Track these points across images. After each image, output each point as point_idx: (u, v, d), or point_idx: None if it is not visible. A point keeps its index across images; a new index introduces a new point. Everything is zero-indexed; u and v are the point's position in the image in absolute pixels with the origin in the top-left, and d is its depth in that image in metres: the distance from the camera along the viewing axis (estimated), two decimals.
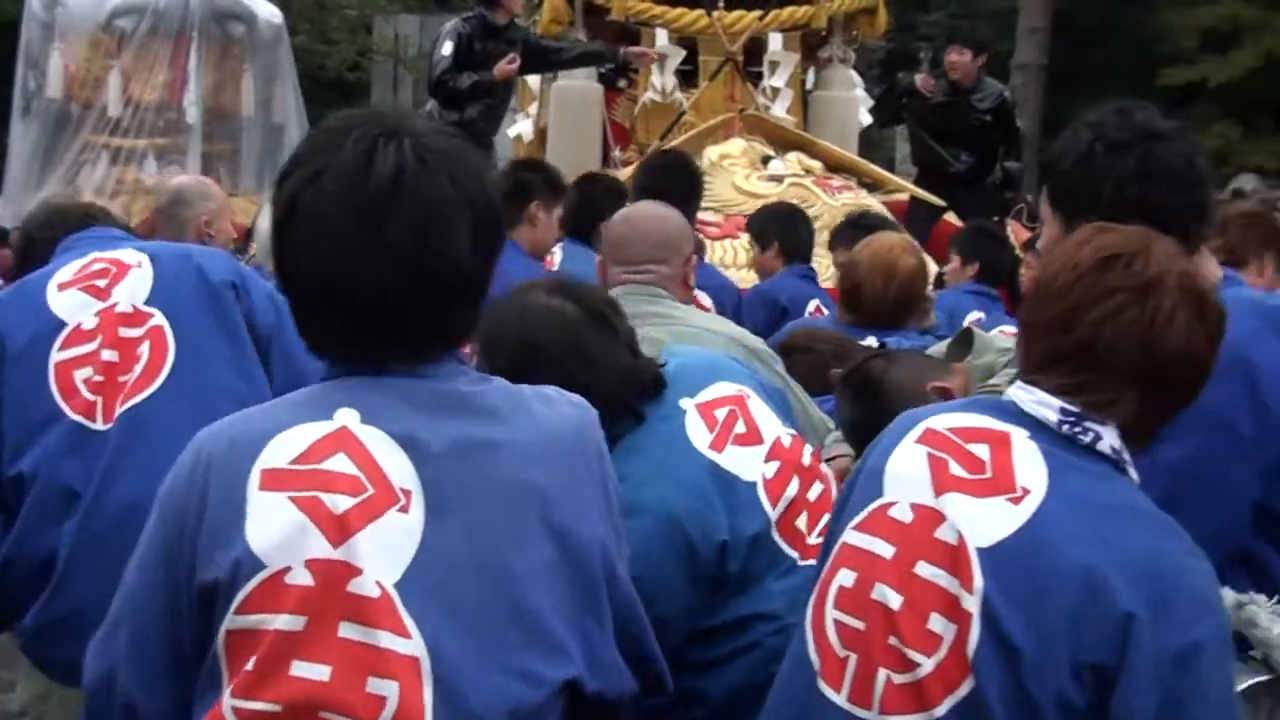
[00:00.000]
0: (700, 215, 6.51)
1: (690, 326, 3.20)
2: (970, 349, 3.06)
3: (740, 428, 2.39)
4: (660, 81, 7.63)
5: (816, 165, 7.16)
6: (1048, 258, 1.82)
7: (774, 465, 2.38)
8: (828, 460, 3.14)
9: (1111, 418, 1.70)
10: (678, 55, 7.67)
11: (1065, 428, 1.69)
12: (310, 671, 1.40)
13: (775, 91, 7.76)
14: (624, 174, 7.03)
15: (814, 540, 2.30)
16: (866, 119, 8.50)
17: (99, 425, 2.62)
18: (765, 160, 7.00)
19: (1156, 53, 34.66)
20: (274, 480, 1.46)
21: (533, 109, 8.74)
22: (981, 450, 1.69)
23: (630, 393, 2.36)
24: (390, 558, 1.44)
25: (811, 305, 4.99)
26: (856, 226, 5.21)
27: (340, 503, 1.45)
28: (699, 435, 2.35)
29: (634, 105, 7.84)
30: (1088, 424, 1.69)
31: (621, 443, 2.31)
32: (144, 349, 2.67)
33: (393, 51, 33.66)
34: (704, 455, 2.35)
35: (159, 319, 2.71)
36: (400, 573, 1.44)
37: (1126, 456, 1.72)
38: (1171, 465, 2.01)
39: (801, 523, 2.36)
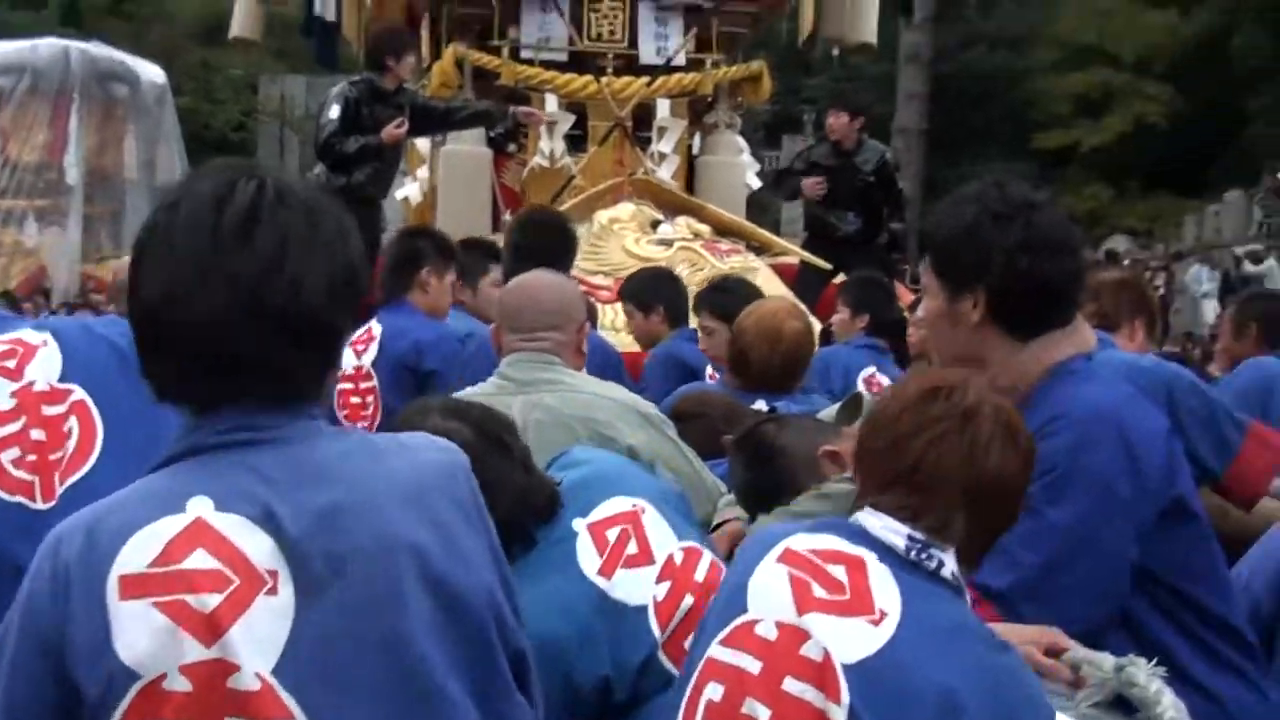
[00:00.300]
0: (591, 279, 6.58)
1: (583, 393, 3.22)
2: (859, 413, 3.12)
3: (632, 548, 2.37)
4: (549, 146, 7.68)
5: (705, 229, 7.23)
6: (881, 395, 1.91)
7: (665, 586, 2.36)
8: (719, 524, 3.18)
9: (948, 542, 1.80)
10: (567, 120, 7.74)
11: (913, 554, 1.78)
12: None
13: (663, 156, 7.86)
14: None
15: None
16: (754, 183, 8.63)
17: (40, 505, 2.56)
18: (655, 224, 7.07)
19: (1032, 117, 35.77)
20: (135, 587, 1.41)
21: (421, 172, 8.75)
22: (839, 572, 1.75)
23: (525, 515, 2.35)
24: (265, 645, 1.41)
25: (709, 369, 5.02)
26: (718, 290, 5.19)
27: (208, 601, 1.40)
28: (589, 561, 2.35)
29: (523, 169, 7.88)
30: (932, 550, 1.78)
31: (513, 568, 2.31)
32: (72, 424, 2.63)
33: (278, 112, 33.52)
34: (593, 584, 2.33)
35: (79, 393, 2.67)
36: (276, 658, 1.40)
37: (963, 581, 1.82)
38: (1058, 527, 2.10)
39: (689, 643, 2.36)
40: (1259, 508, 3.02)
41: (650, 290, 5.40)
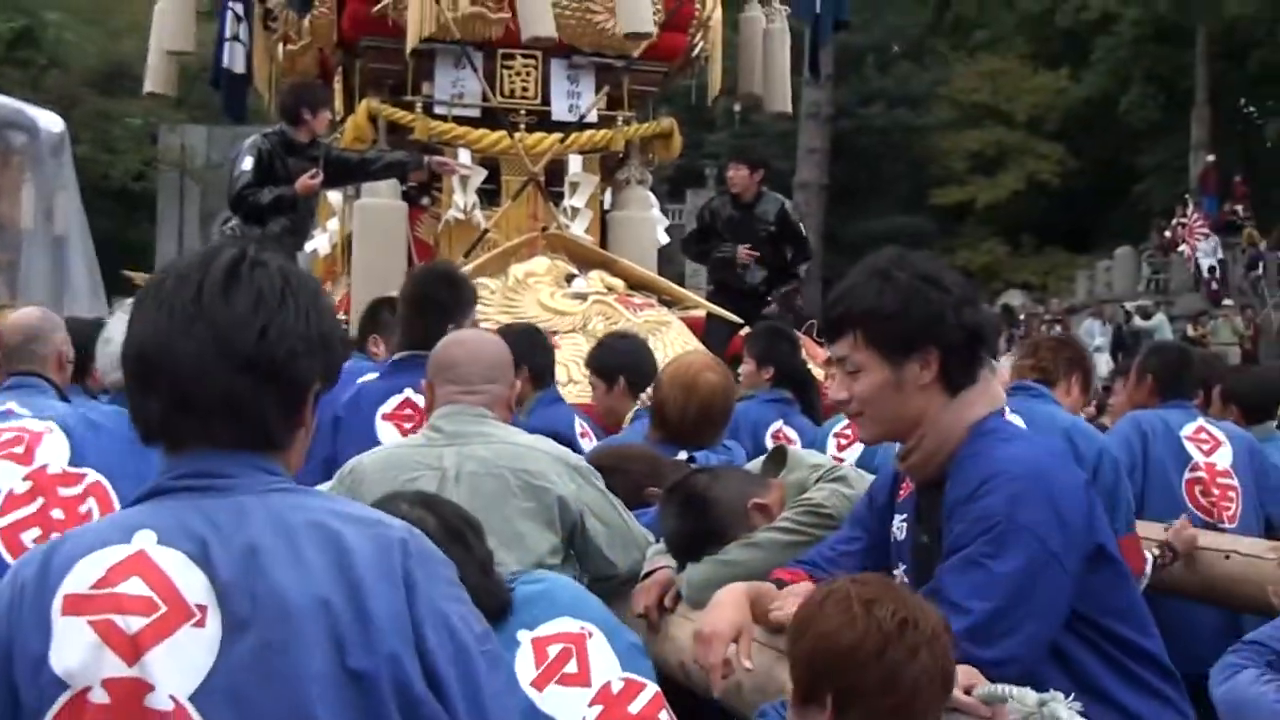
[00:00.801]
0: None
1: (514, 444, 3.28)
2: (784, 465, 3.22)
3: (571, 667, 2.45)
4: (463, 200, 7.74)
5: (618, 283, 7.33)
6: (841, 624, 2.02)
7: (597, 710, 2.44)
8: (649, 572, 3.25)
9: None
10: (480, 175, 7.80)
11: None
12: None
13: (575, 211, 7.94)
14: None
15: None
16: (663, 238, 8.75)
17: None
18: (569, 278, 7.14)
19: (929, 174, 36.53)
20: (75, 605, 1.53)
21: (331, 224, 8.75)
22: None
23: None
24: (185, 672, 1.50)
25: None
26: (606, 345, 5.30)
27: (133, 624, 1.51)
28: (525, 671, 2.42)
29: (438, 223, 7.92)
30: None
31: None
32: (90, 505, 2.71)
33: (179, 162, 33.13)
34: (524, 694, 2.40)
35: (94, 476, 2.76)
36: (195, 685, 1.50)
37: None
38: (1003, 577, 2.24)
39: None
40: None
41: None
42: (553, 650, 2.47)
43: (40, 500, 2.72)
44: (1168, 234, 28.80)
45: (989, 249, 36.09)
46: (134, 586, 1.53)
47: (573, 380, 6.36)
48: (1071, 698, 2.02)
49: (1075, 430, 3.94)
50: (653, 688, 2.54)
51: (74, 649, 1.51)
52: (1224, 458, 4.77)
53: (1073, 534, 2.31)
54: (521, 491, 3.17)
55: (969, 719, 2.11)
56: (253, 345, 1.59)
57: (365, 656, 1.55)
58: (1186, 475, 4.74)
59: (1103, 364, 24.96)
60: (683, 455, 4.08)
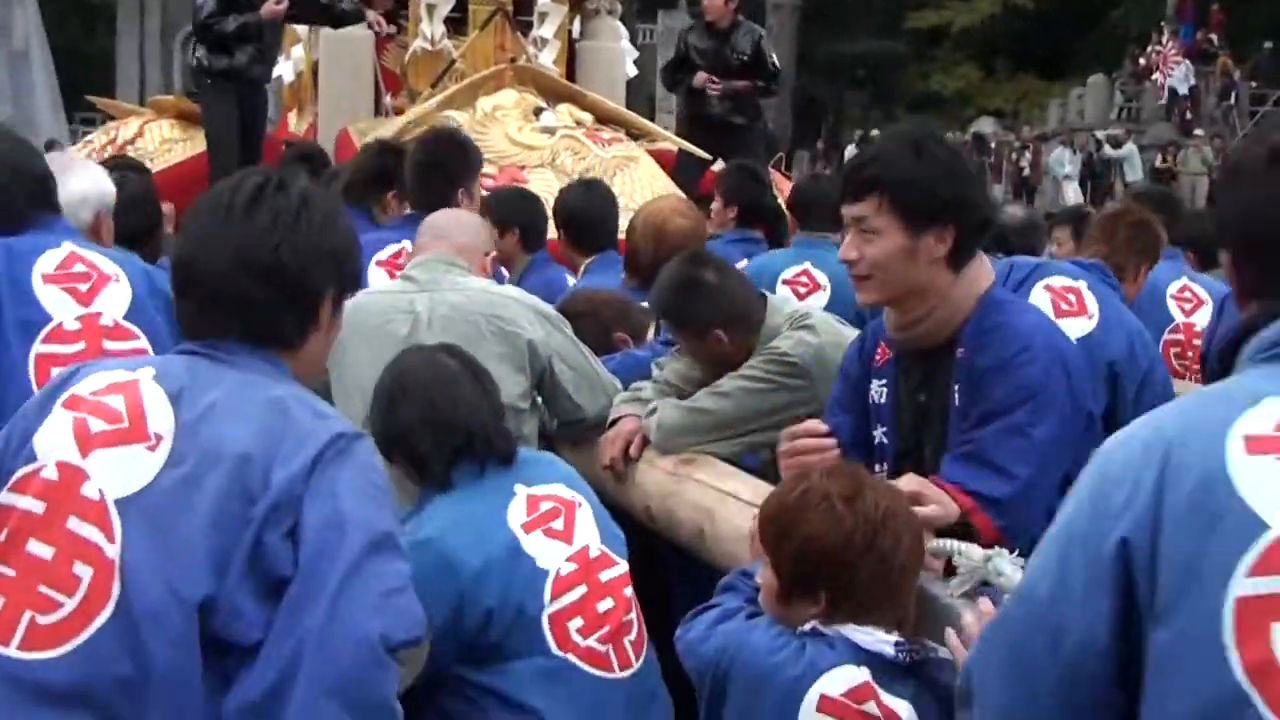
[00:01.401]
0: None
1: (485, 291, 3.35)
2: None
3: (557, 524, 2.64)
4: (429, 29, 7.63)
5: (587, 117, 7.27)
6: (833, 519, 2.15)
7: (572, 567, 2.61)
8: (614, 420, 3.35)
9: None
10: (447, 4, 7.66)
11: (902, 656, 2.12)
12: (40, 550, 1.75)
13: (544, 42, 7.84)
14: (395, 122, 7.07)
15: (582, 643, 2.57)
16: (632, 70, 8.66)
17: None
18: (537, 111, 7.07)
19: None
20: (71, 403, 1.84)
21: (296, 50, 8.62)
22: None
23: (483, 440, 2.68)
24: (120, 479, 1.76)
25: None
26: (500, 197, 5.14)
27: (97, 426, 1.80)
28: (516, 515, 2.62)
29: (404, 52, 7.81)
30: (911, 646, 2.14)
31: (452, 492, 2.64)
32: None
33: None
34: (510, 531, 2.61)
35: (142, 341, 2.87)
36: (125, 493, 1.76)
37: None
38: (1042, 443, 2.41)
39: (574, 625, 2.58)
40: None
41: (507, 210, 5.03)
42: (544, 506, 2.65)
43: (82, 344, 2.79)
44: (1142, 61, 28.60)
45: (963, 74, 35.77)
46: (115, 402, 1.82)
47: None
48: (1016, 553, 2.14)
49: (1138, 339, 3.76)
50: (623, 565, 2.71)
51: (53, 432, 1.81)
52: (1203, 318, 4.74)
53: (1080, 400, 2.49)
54: (493, 336, 3.25)
55: (927, 571, 2.25)
56: (268, 257, 1.85)
57: (254, 508, 1.74)
58: (1166, 336, 4.71)
59: (1071, 193, 25.07)
60: None
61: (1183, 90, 26.61)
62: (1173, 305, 4.78)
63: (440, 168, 4.11)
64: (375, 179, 4.86)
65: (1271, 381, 1.41)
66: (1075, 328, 3.65)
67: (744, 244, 5.44)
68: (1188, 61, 26.68)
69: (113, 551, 1.73)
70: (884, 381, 2.62)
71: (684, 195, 6.83)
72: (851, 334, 3.02)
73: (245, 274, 1.85)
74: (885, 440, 2.57)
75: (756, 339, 3.22)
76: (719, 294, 3.22)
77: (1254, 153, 1.57)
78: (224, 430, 1.78)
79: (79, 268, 2.88)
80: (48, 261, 2.86)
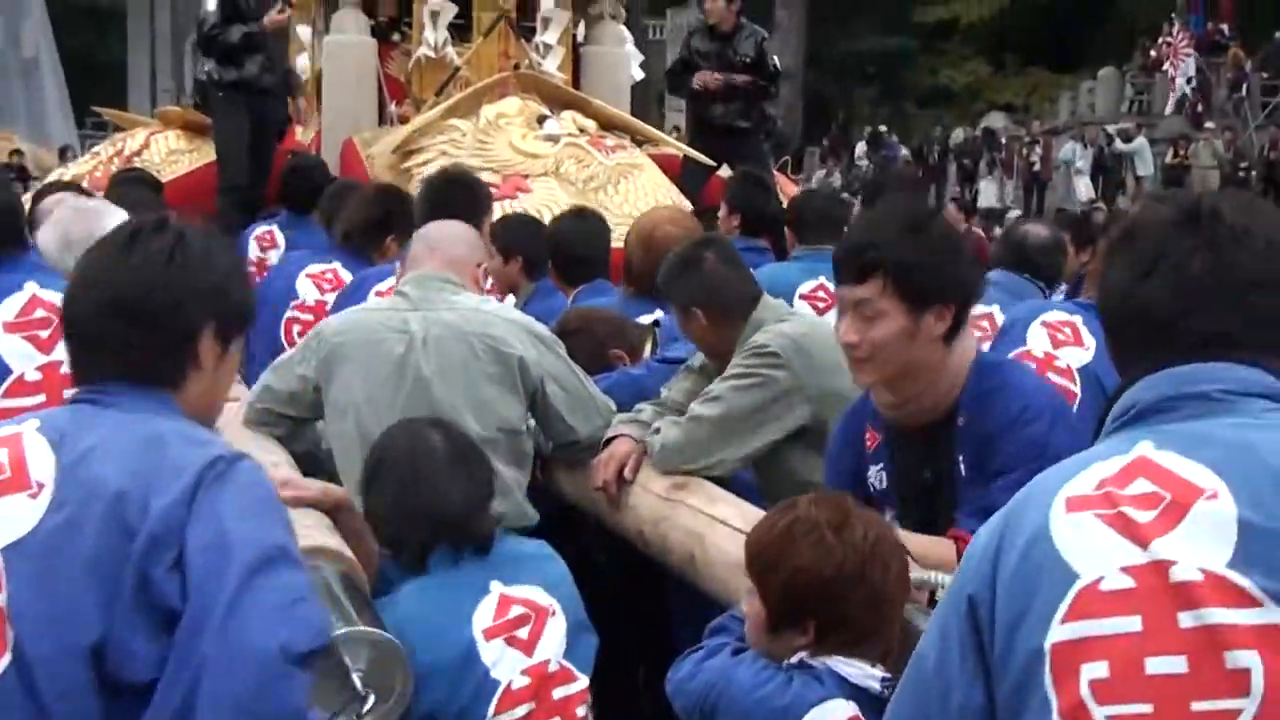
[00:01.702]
0: (479, 175, 6.61)
1: (479, 310, 3.36)
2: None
3: (522, 633, 2.58)
4: (433, 37, 7.63)
5: (591, 124, 7.26)
6: (824, 551, 2.16)
7: (525, 681, 2.56)
8: (610, 439, 3.37)
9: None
10: (450, 10, 7.66)
11: (886, 691, 2.09)
12: None
13: (548, 48, 7.82)
14: (399, 132, 7.09)
15: None
16: (637, 74, 8.66)
17: None
18: (541, 119, 7.07)
19: None
20: None
21: (300, 60, 8.63)
22: None
23: (455, 527, 2.64)
24: (6, 528, 1.75)
25: None
26: (509, 223, 5.11)
27: None
28: (483, 617, 2.56)
29: (408, 60, 7.83)
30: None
31: (425, 579, 2.60)
32: None
33: None
34: (471, 633, 2.55)
35: None
36: (8, 540, 1.75)
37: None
38: None
39: None
40: None
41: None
42: (514, 611, 2.59)
43: (43, 396, 2.77)
44: (1152, 53, 28.48)
45: (972, 69, 35.68)
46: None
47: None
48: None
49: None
50: (583, 681, 2.66)
51: None
52: None
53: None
54: (486, 356, 3.27)
55: (913, 601, 2.26)
56: (138, 297, 1.89)
57: (134, 543, 1.72)
58: None
59: (1083, 187, 25.00)
60: (651, 317, 4.17)
61: (1186, 90, 26.53)
62: None
63: (449, 208, 4.11)
64: (374, 225, 4.94)
65: (1106, 447, 1.49)
66: (1074, 357, 3.71)
67: (749, 252, 5.44)
68: (1196, 54, 26.56)
69: (1, 599, 1.72)
70: (880, 465, 2.63)
71: (688, 202, 6.91)
72: (829, 324, 3.01)
73: (117, 315, 1.88)
74: (897, 523, 2.55)
75: (738, 330, 3.29)
76: (706, 275, 3.33)
77: (1156, 212, 1.59)
78: (101, 471, 1.77)
79: (39, 313, 2.86)
80: (8, 309, 2.84)
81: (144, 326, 1.88)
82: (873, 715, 2.12)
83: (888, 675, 2.14)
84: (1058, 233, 5.61)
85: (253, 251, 6.31)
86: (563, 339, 3.55)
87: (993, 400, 2.51)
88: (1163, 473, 1.42)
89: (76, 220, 3.44)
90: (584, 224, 5.02)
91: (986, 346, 3.61)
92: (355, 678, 2.06)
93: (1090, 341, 3.78)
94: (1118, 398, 1.54)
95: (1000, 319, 4.43)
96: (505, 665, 2.56)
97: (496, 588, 2.60)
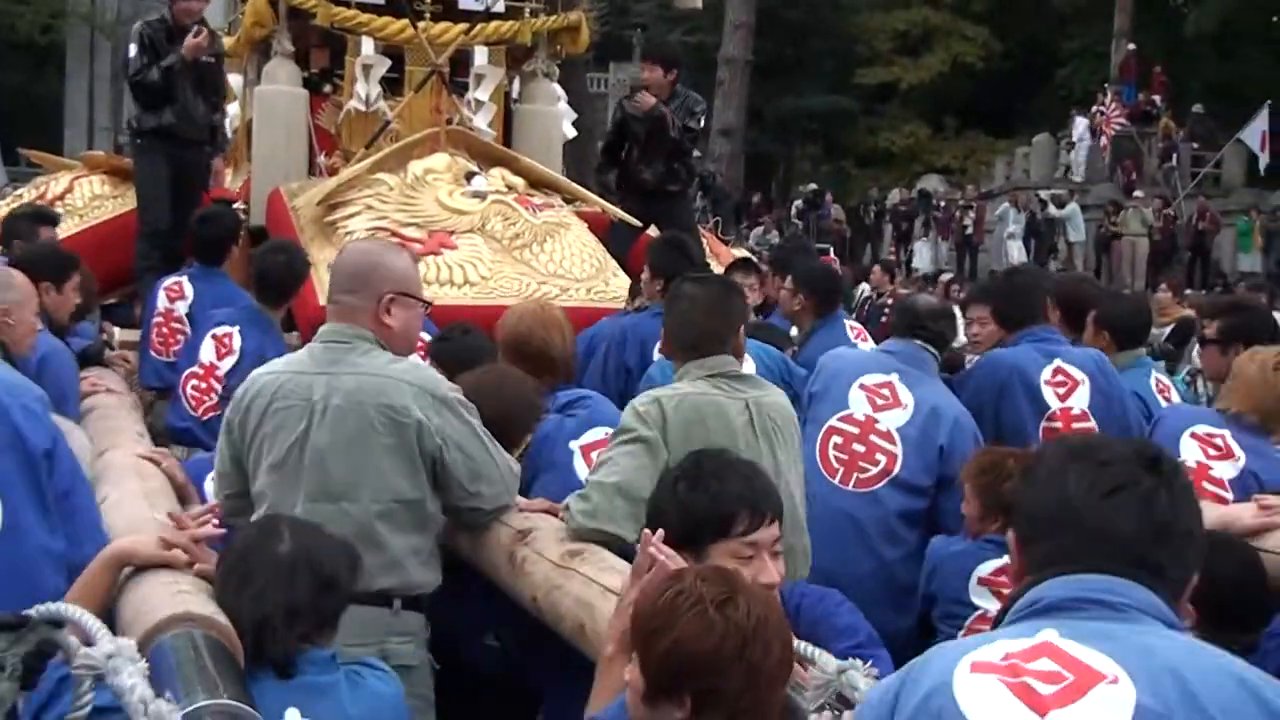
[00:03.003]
0: (403, 230, 6.62)
1: (379, 375, 3.33)
2: None
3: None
4: (365, 90, 7.62)
5: (519, 182, 7.27)
6: (689, 628, 2.16)
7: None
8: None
9: None
10: (383, 64, 7.66)
11: None
12: None
13: (480, 104, 7.83)
14: (327, 184, 7.06)
15: None
16: (569, 132, 8.69)
17: None
18: (469, 176, 7.07)
19: (855, 53, 36.33)
20: None
21: (231, 109, 8.60)
22: None
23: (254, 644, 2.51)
24: None
25: None
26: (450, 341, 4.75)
27: None
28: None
29: (339, 112, 7.82)
30: None
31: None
32: None
33: (89, 15, 32.12)
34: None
35: None
36: None
37: None
38: None
39: None
40: None
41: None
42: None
43: None
44: (1081, 120, 29.04)
45: (911, 131, 36.14)
46: None
47: (469, 281, 6.39)
48: (869, 664, 2.16)
49: None
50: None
51: None
52: (1081, 400, 4.83)
53: None
54: (383, 427, 3.26)
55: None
56: None
57: None
58: (1043, 424, 4.81)
59: (1015, 251, 25.35)
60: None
61: (1082, 153, 27.29)
62: (1047, 391, 4.86)
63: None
64: None
65: (1010, 630, 1.65)
66: (1226, 471, 3.98)
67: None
68: (1127, 123, 27.14)
69: None
70: None
71: (614, 262, 6.94)
72: (708, 402, 3.39)
73: None
74: None
75: (678, 367, 3.61)
76: (669, 309, 3.69)
77: (1054, 451, 1.80)
78: None
79: None
80: None
81: None
82: None
83: None
84: (946, 304, 5.82)
85: (161, 303, 6.28)
86: (474, 407, 3.50)
87: None
88: (1067, 657, 1.55)
89: None
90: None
91: None
92: None
93: (1240, 454, 3.96)
94: (1022, 594, 1.70)
95: (900, 388, 4.52)
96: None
97: (575, 445, 2.64)
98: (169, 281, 6.40)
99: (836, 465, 4.41)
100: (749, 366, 4.08)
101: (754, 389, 3.52)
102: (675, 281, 3.76)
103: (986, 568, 3.87)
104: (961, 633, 3.72)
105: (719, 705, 2.14)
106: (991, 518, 3.83)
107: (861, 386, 4.54)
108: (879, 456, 4.41)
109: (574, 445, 3.93)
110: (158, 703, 1.99)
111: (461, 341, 4.50)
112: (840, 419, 4.51)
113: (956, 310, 6.05)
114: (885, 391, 4.53)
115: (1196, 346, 12.08)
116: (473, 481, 3.38)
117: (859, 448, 4.44)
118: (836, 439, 4.48)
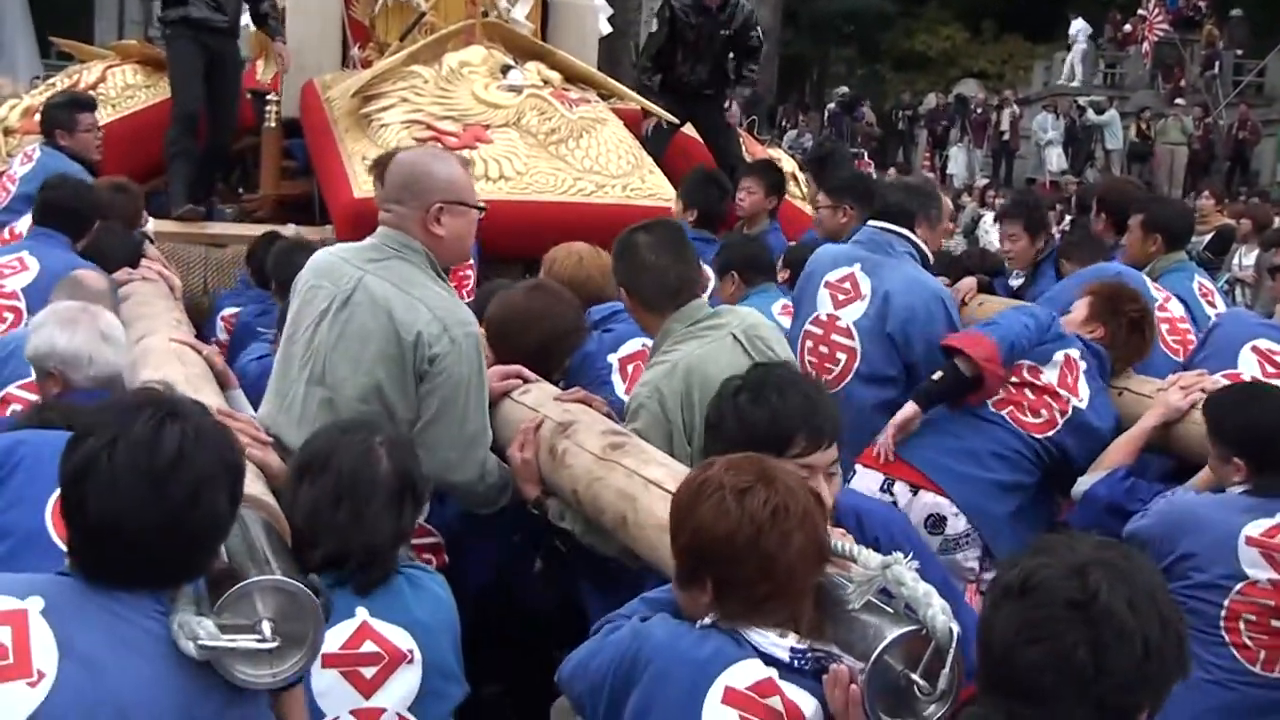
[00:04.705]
0: (439, 124, 6.55)
1: (405, 292, 3.28)
2: None
3: (368, 671, 2.54)
4: None
5: (555, 76, 7.18)
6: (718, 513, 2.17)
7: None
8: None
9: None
10: None
11: (797, 663, 2.14)
12: None
13: None
14: (361, 76, 6.97)
15: None
16: (605, 27, 8.56)
17: None
18: (504, 69, 6.98)
19: None
20: None
21: None
22: None
23: (365, 562, 2.60)
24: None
25: None
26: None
27: None
28: (333, 640, 2.48)
29: (374, 4, 7.71)
30: (806, 654, 2.15)
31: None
32: None
33: None
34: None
35: None
36: None
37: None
38: None
39: None
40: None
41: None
42: (366, 647, 2.54)
43: None
44: (1127, 27, 28.47)
45: (948, 34, 35.55)
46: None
47: (504, 176, 6.33)
48: (910, 557, 2.14)
49: None
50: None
51: None
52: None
53: None
54: (385, 334, 3.24)
55: (836, 568, 2.24)
56: (202, 523, 2.04)
57: None
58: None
59: (1054, 158, 25.04)
60: None
61: (1077, 55, 26.94)
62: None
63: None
64: None
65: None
66: None
67: (697, 242, 5.51)
68: (1169, 29, 26.60)
69: None
70: None
71: (651, 159, 6.85)
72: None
73: (182, 539, 2.01)
74: None
75: (656, 323, 3.45)
76: (631, 261, 3.48)
77: (1053, 577, 1.80)
78: None
79: None
80: None
81: (203, 540, 2.07)
82: (792, 676, 2.13)
83: (799, 646, 2.14)
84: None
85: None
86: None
87: None
88: None
89: None
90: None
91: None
92: (266, 625, 2.03)
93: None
94: None
95: (860, 278, 4.51)
96: (334, 698, 2.51)
97: (362, 614, 2.56)
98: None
99: (811, 370, 4.43)
100: None
101: (729, 317, 3.47)
102: (623, 235, 3.56)
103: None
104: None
105: (738, 590, 2.16)
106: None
107: (826, 284, 4.59)
108: (839, 355, 4.49)
109: (612, 359, 4.06)
110: None
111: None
112: (811, 322, 4.59)
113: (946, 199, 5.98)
114: (846, 285, 4.57)
115: (1237, 255, 12.03)
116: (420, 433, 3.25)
117: (824, 349, 4.52)
118: (809, 343, 4.57)
